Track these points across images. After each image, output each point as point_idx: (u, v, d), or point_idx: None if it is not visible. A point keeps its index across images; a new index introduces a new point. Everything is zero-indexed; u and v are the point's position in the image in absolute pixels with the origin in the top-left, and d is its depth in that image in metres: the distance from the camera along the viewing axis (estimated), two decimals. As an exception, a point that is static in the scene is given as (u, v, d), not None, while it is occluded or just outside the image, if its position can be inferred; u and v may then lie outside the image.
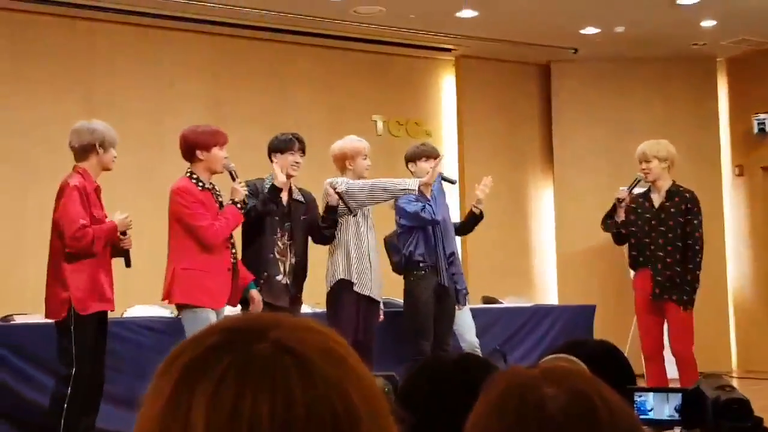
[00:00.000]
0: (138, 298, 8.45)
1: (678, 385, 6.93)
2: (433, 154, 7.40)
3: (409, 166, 7.48)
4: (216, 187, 6.38)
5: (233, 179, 6.39)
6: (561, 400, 1.22)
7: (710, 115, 12.30)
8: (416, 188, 6.68)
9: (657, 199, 7.38)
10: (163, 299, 6.33)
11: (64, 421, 5.84)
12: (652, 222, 7.30)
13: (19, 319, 7.41)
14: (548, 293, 12.10)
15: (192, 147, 6.21)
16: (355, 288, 6.85)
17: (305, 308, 7.35)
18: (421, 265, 7.25)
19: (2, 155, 9.28)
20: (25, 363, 6.98)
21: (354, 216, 6.87)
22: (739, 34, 11.27)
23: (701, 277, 7.39)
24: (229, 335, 0.97)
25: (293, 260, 6.73)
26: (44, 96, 9.52)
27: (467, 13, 10.31)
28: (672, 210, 7.27)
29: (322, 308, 7.30)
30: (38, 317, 7.28)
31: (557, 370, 1.30)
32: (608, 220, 7.59)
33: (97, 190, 6.14)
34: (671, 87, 12.25)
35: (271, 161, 6.76)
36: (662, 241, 7.25)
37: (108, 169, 6.20)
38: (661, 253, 7.23)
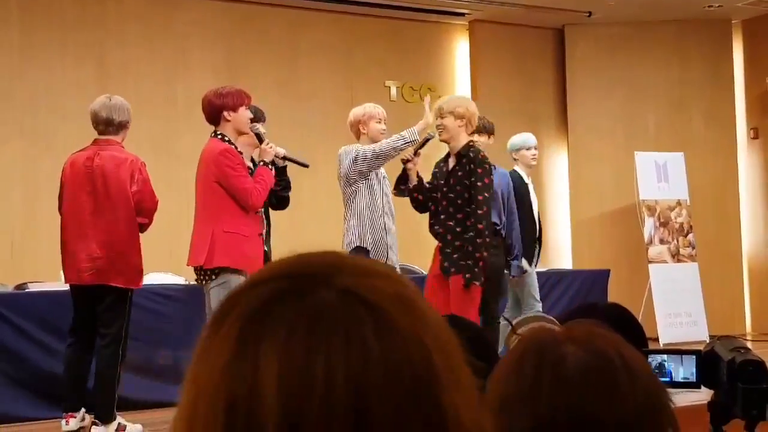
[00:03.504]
0: (152, 265, 8.48)
1: None
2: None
3: None
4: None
5: (260, 141, 6.40)
6: (580, 359, 1.22)
7: (725, 77, 12.22)
8: (416, 136, 6.62)
9: (451, 162, 6.51)
10: (194, 263, 6.10)
11: (118, 384, 6.25)
12: (444, 189, 6.41)
13: (33, 287, 7.44)
14: (563, 258, 12.08)
15: (219, 109, 6.16)
16: (371, 255, 6.85)
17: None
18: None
19: (15, 125, 9.29)
20: (40, 331, 7.01)
21: (367, 181, 6.85)
22: (755, -5, 11.18)
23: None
24: (290, 282, 0.88)
25: (267, 227, 6.82)
26: (56, 65, 9.50)
27: (480, -23, 10.25)
28: (459, 174, 6.35)
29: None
30: (52, 285, 7.33)
31: (580, 330, 1.30)
32: (401, 185, 6.66)
33: None
34: (686, 50, 12.17)
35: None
36: (452, 209, 6.34)
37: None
38: (451, 223, 6.33)
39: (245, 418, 0.82)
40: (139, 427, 6.45)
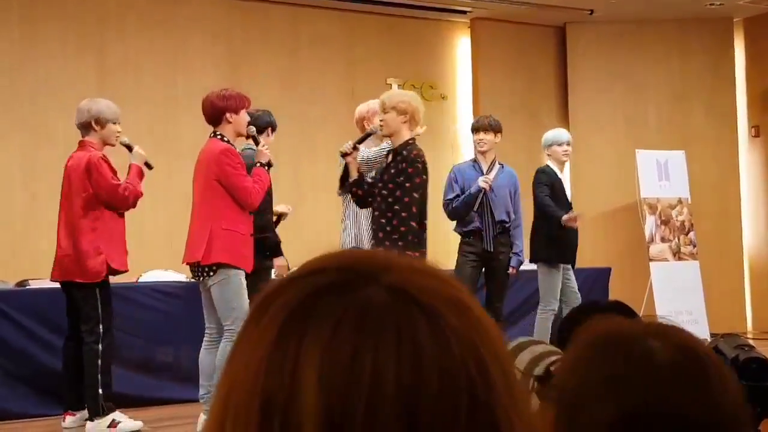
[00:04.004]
0: (152, 262, 8.48)
1: None
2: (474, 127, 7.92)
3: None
4: None
5: (256, 143, 6.52)
6: (668, 353, 1.20)
7: (727, 75, 12.21)
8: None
9: (389, 159, 6.27)
10: (191, 259, 6.15)
11: (101, 376, 6.32)
12: (379, 185, 6.19)
13: (34, 284, 7.43)
14: (564, 256, 12.06)
15: (221, 111, 6.24)
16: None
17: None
18: (465, 231, 7.63)
19: (15, 120, 9.28)
20: (41, 327, 7.01)
21: None
22: (757, -7, 11.16)
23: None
24: (339, 275, 0.82)
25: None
26: (56, 59, 9.49)
27: (482, -25, 10.23)
28: (392, 171, 6.13)
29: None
30: (53, 282, 7.32)
31: (657, 324, 1.28)
32: (346, 182, 6.45)
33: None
34: (687, 48, 12.15)
35: (265, 135, 6.83)
36: (384, 207, 6.10)
37: (110, 144, 6.63)
38: (383, 221, 6.11)
39: (282, 417, 0.76)
40: (139, 423, 6.46)
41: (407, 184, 6.01)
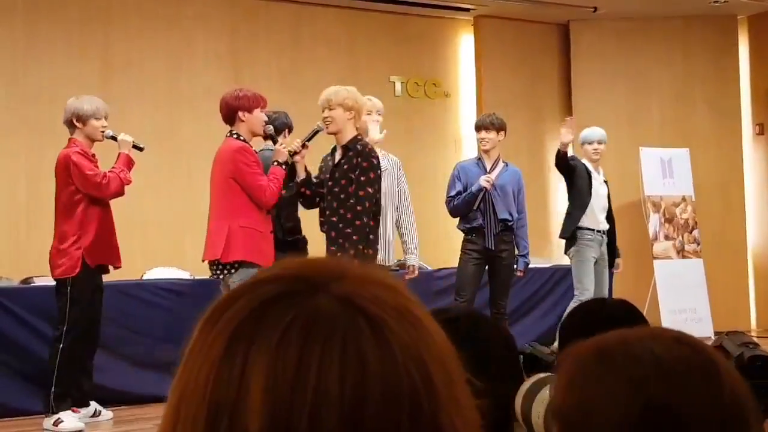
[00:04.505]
0: (156, 259, 8.48)
1: None
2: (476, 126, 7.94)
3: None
4: None
5: (274, 142, 6.55)
6: (671, 351, 1.19)
7: (731, 73, 12.18)
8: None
9: (337, 156, 6.25)
10: (211, 257, 6.16)
11: (56, 378, 6.34)
12: (329, 183, 6.16)
13: (38, 281, 7.44)
14: (567, 254, 12.04)
15: (235, 110, 6.31)
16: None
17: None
18: (468, 228, 7.60)
19: (19, 118, 9.27)
20: (45, 324, 7.01)
21: None
22: (761, -9, 11.14)
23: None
24: (289, 286, 0.83)
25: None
26: (60, 58, 9.48)
27: (485, -28, 10.21)
28: (345, 167, 6.10)
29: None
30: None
31: (645, 329, 1.26)
32: (290, 182, 6.40)
33: (93, 156, 6.70)
34: (691, 45, 12.13)
35: (282, 136, 6.78)
36: (336, 204, 6.08)
37: (96, 140, 6.74)
38: (334, 219, 6.07)
39: (228, 421, 0.78)
40: (81, 424, 6.48)
41: (362, 178, 6.02)
